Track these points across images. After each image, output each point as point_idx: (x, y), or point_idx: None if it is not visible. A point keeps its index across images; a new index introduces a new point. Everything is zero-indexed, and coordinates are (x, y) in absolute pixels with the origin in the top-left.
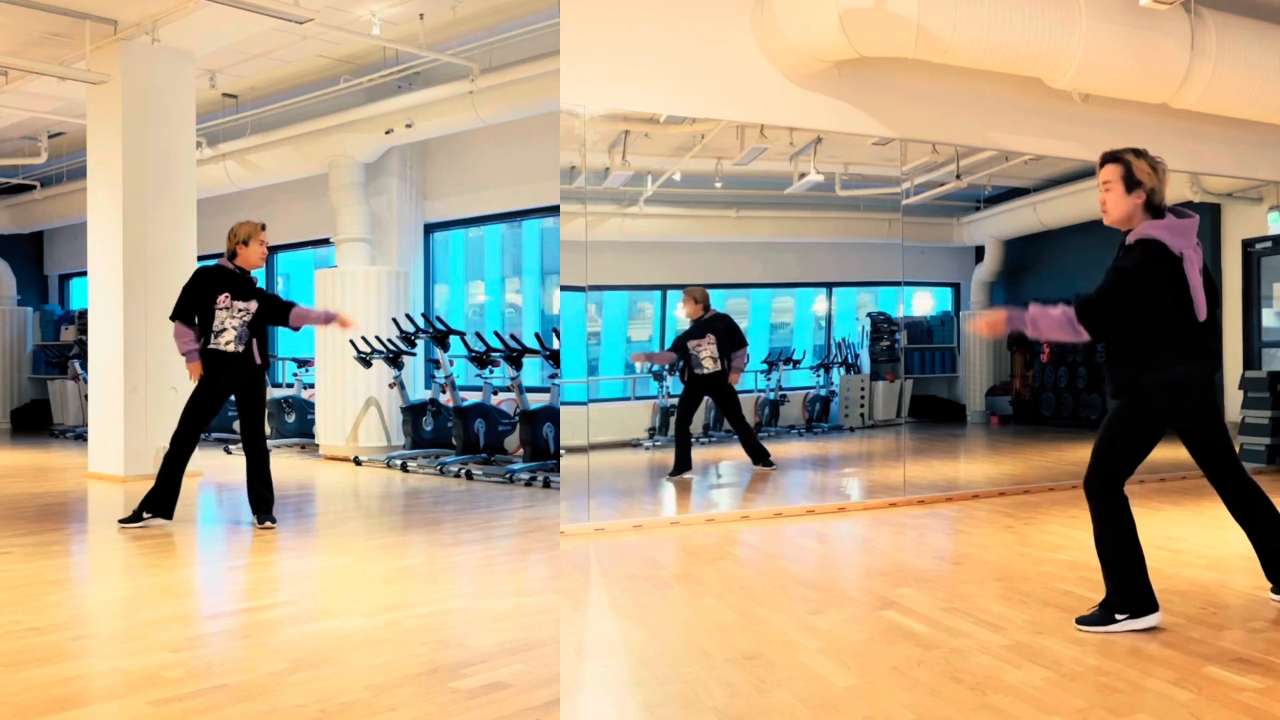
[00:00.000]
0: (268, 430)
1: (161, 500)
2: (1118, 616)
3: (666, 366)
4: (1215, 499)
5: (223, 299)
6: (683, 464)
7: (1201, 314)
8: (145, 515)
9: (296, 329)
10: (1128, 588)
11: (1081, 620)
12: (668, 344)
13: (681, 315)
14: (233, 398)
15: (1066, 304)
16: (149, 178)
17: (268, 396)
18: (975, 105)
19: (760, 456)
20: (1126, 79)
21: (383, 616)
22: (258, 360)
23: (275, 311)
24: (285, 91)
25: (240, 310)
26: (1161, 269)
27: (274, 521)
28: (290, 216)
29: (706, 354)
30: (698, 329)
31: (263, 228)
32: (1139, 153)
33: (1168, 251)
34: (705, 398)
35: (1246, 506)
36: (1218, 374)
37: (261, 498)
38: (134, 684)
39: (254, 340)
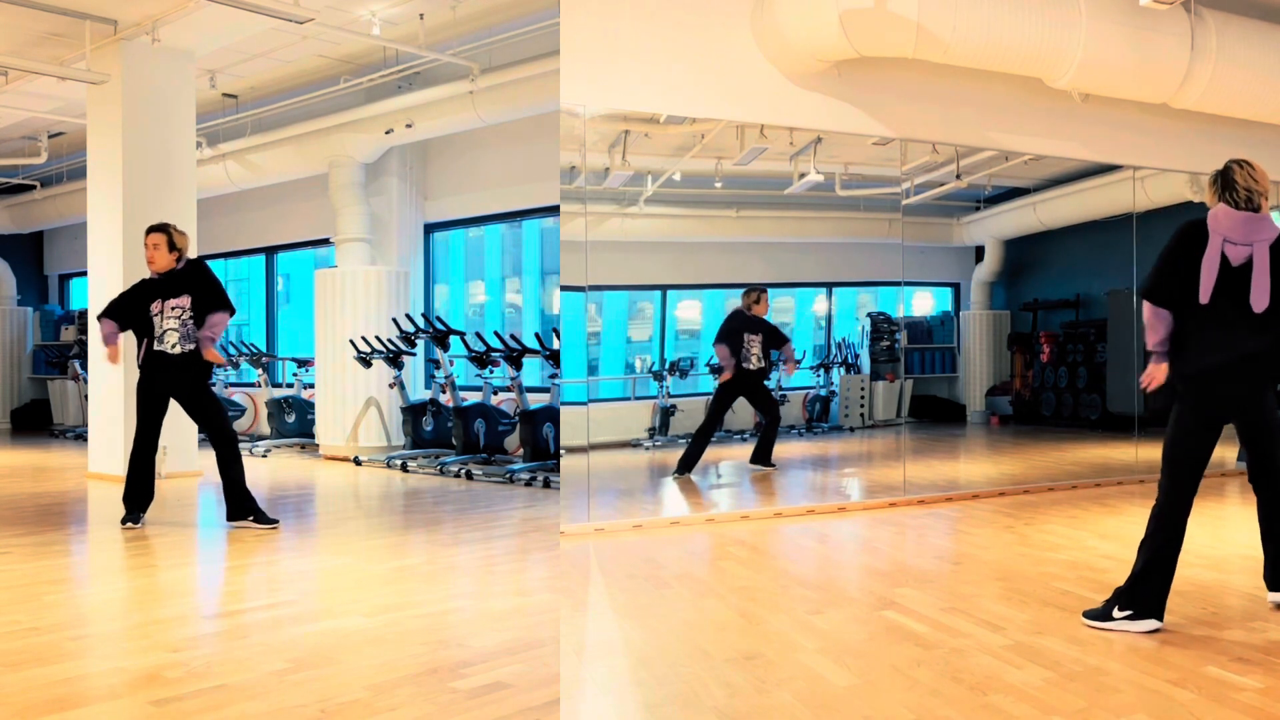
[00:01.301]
0: (267, 430)
1: (135, 499)
2: (1116, 613)
3: (667, 367)
4: (1215, 499)
5: (156, 305)
6: (690, 464)
7: (1204, 296)
8: (139, 514)
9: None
10: (1143, 586)
11: (1086, 613)
12: (668, 343)
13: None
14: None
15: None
16: (149, 178)
17: (264, 396)
18: (975, 105)
19: (766, 458)
20: (1126, 79)
21: (383, 616)
22: (204, 356)
23: (211, 303)
24: (285, 91)
25: (174, 309)
26: (1192, 247)
27: (272, 523)
28: (290, 216)
29: (755, 351)
30: (752, 324)
31: (150, 230)
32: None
33: (1202, 233)
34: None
35: (1271, 503)
36: (1263, 361)
37: (244, 494)
38: (134, 684)
39: (198, 337)
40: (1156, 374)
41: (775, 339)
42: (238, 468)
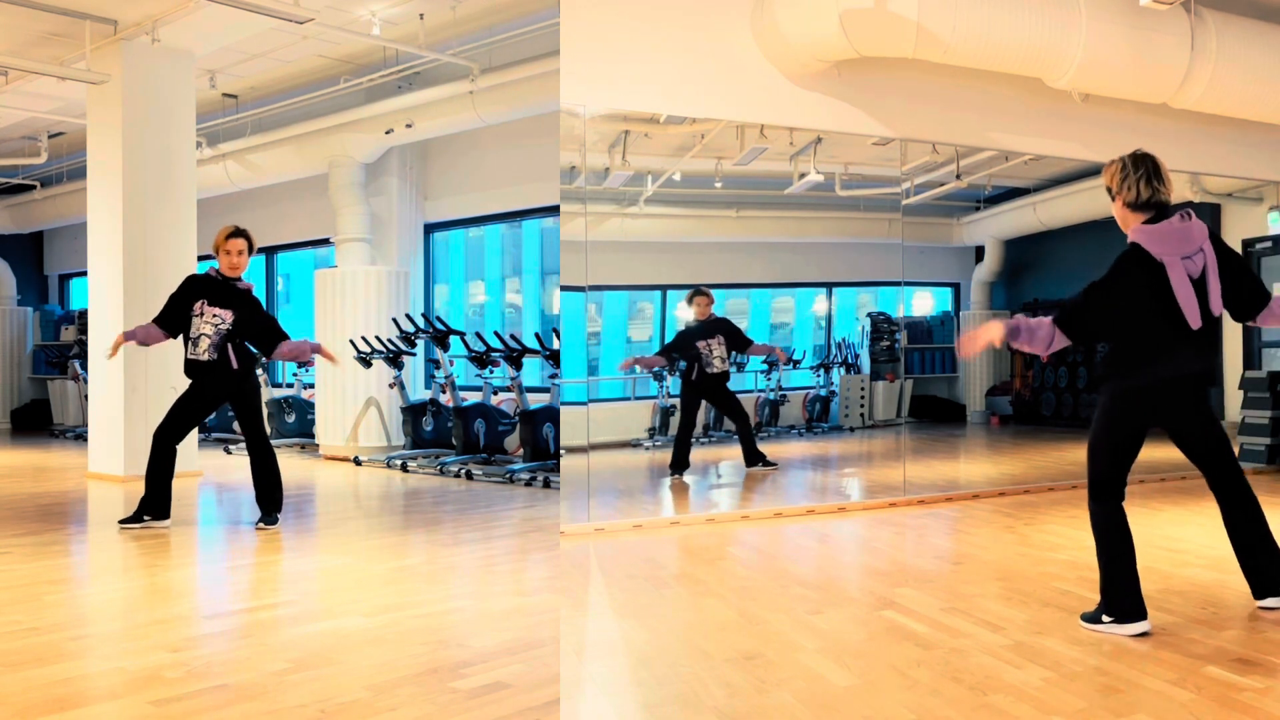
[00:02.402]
0: (268, 430)
1: (155, 503)
2: (1104, 618)
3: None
4: (1214, 500)
5: (199, 305)
6: (682, 464)
7: (1194, 322)
8: (145, 518)
9: (272, 359)
10: (1111, 591)
11: (1084, 616)
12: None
13: (687, 314)
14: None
15: (1054, 312)
16: (149, 178)
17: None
18: (975, 105)
19: (756, 458)
20: (1126, 79)
21: (383, 616)
22: (234, 365)
23: (259, 336)
24: (285, 91)
25: (214, 317)
26: (1141, 274)
27: (272, 523)
28: (290, 216)
29: (717, 354)
30: (705, 329)
31: (230, 235)
32: (1120, 160)
33: (1149, 257)
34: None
35: (1235, 512)
36: (1207, 376)
37: (269, 498)
38: (134, 684)
39: (228, 346)
40: (992, 337)
41: (737, 341)
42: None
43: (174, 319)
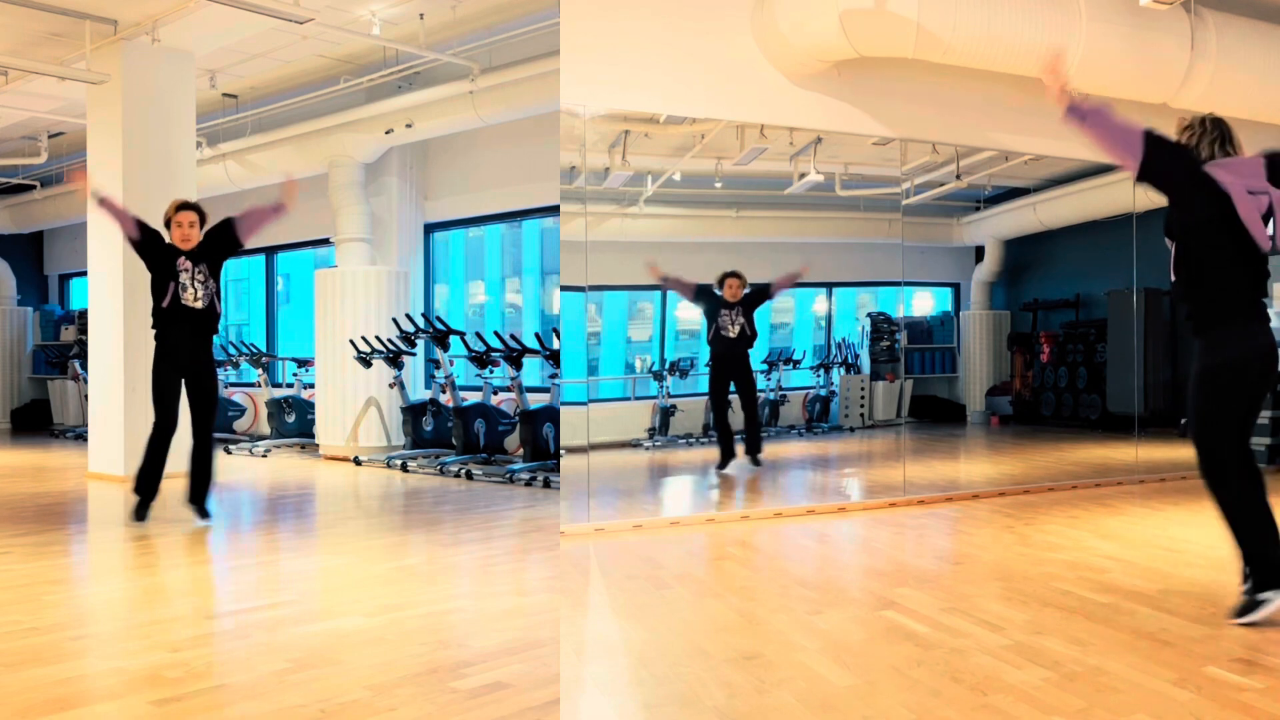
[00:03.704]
0: (267, 430)
1: (144, 487)
2: (1264, 595)
3: (667, 366)
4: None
5: (182, 260)
6: (729, 453)
7: (1263, 242)
8: (146, 508)
9: (247, 239)
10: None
11: (1240, 610)
12: (668, 343)
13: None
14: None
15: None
16: (149, 178)
17: (264, 396)
18: (975, 105)
19: (756, 450)
20: (1126, 79)
21: (383, 616)
22: (218, 310)
23: (223, 239)
24: (285, 91)
25: (200, 274)
26: (1213, 187)
27: (206, 517)
28: (290, 216)
29: (737, 322)
30: (731, 304)
31: (180, 207)
32: (1197, 119)
33: (1215, 184)
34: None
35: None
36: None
37: (204, 491)
38: (134, 684)
39: (214, 299)
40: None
41: (758, 298)
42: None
43: (153, 247)
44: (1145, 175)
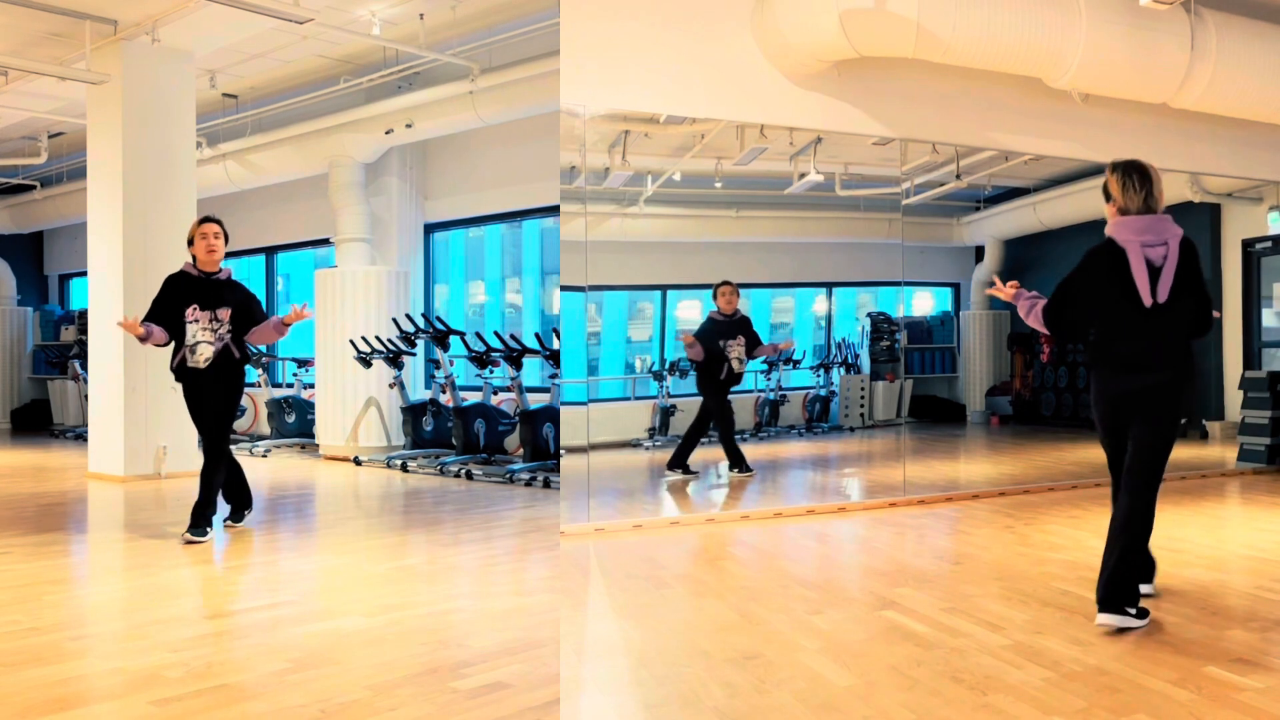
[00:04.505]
0: (267, 430)
1: (235, 500)
2: (1129, 610)
3: (667, 367)
4: (1215, 499)
5: (190, 311)
6: (738, 459)
7: (1145, 298)
8: (208, 529)
9: (249, 340)
10: (1132, 582)
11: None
12: (668, 343)
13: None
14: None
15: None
16: (149, 178)
17: (264, 396)
18: (975, 105)
19: (739, 461)
20: (1126, 79)
21: (383, 616)
22: (236, 355)
23: (245, 312)
24: (285, 91)
25: (212, 321)
26: (1105, 259)
27: (206, 532)
28: (290, 216)
29: (736, 354)
30: (730, 328)
31: (204, 220)
32: (1115, 165)
33: (1114, 245)
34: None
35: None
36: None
37: (241, 497)
38: (134, 684)
39: (230, 346)
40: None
41: (751, 344)
42: (220, 477)
43: (169, 323)
44: (1054, 327)
